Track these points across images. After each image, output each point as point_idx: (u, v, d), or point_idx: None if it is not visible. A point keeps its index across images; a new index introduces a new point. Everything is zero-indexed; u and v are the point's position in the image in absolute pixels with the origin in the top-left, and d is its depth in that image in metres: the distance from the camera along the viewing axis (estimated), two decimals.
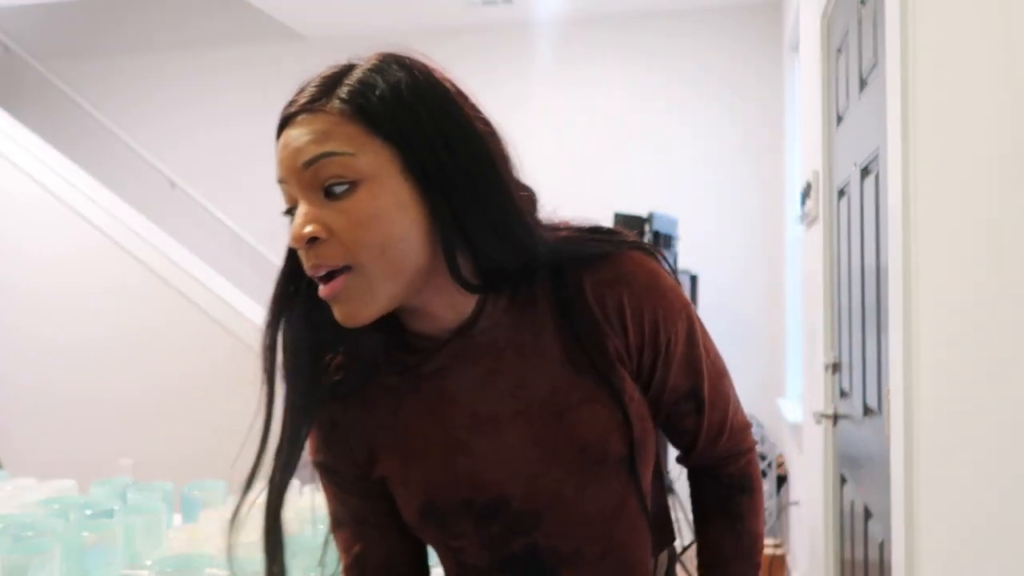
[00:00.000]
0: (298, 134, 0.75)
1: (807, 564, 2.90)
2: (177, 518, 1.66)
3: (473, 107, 0.81)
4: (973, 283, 1.01)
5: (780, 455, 3.83)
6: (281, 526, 0.85)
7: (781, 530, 3.75)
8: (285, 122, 0.77)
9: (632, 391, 0.85)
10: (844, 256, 2.15)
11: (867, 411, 1.82)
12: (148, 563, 1.39)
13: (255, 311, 3.74)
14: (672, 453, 1.04)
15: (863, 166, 1.85)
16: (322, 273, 0.76)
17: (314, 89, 0.77)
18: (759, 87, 4.25)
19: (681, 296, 0.88)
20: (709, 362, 0.90)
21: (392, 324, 0.84)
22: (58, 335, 3.82)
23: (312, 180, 0.75)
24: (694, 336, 0.88)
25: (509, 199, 0.79)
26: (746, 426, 0.97)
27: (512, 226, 0.79)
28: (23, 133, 3.87)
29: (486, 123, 0.81)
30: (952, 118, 1.10)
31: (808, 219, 2.78)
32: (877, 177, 1.68)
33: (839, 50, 2.22)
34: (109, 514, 1.48)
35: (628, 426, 0.84)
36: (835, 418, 2.22)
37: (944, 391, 1.14)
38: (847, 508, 2.12)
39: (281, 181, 0.78)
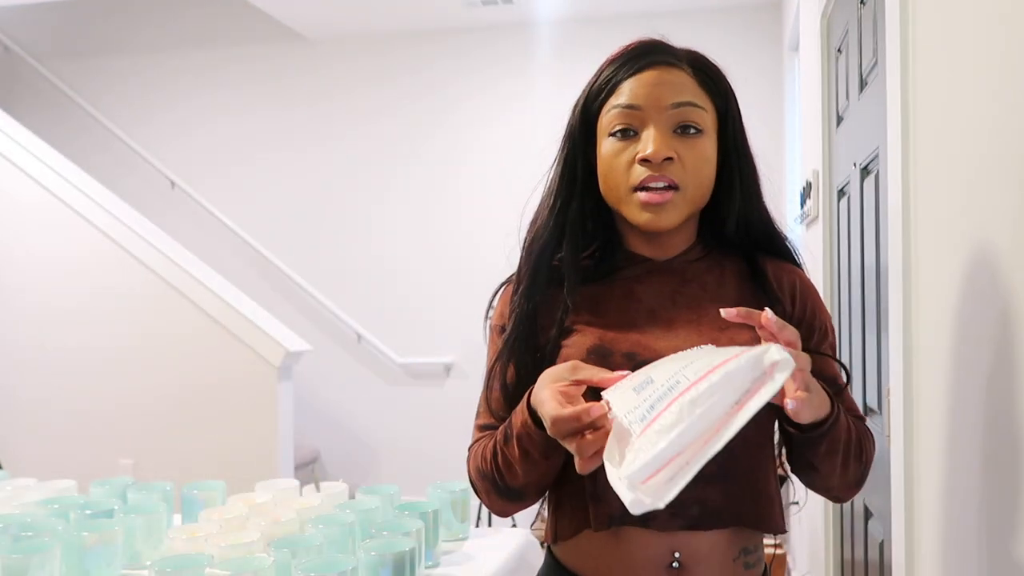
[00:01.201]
0: (662, 78, 0.99)
1: (807, 564, 2.90)
2: (177, 518, 1.66)
3: None
4: (973, 283, 1.01)
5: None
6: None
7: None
8: (636, 63, 1.00)
9: None
10: (844, 256, 2.15)
11: (867, 411, 1.82)
12: (148, 563, 1.39)
13: (255, 311, 3.74)
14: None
15: (863, 166, 1.85)
16: (662, 184, 0.97)
17: (657, 49, 1.01)
18: (759, 87, 4.25)
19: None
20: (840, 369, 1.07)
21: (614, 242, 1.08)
22: (58, 335, 3.82)
23: (671, 118, 0.98)
24: (834, 342, 1.09)
25: (756, 172, 1.05)
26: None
27: (759, 194, 1.05)
28: (23, 133, 3.87)
29: None
30: (952, 118, 1.10)
31: (808, 219, 2.78)
32: (877, 177, 1.68)
33: (839, 50, 2.22)
34: (109, 514, 1.48)
35: None
36: None
37: (944, 391, 1.14)
38: (847, 508, 2.12)
39: (632, 107, 0.98)
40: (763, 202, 1.06)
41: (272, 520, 1.43)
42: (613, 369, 0.91)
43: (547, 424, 0.85)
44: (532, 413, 0.92)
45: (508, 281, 1.11)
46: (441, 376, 4.72)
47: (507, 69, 4.67)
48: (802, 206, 2.86)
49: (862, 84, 1.89)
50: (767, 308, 0.83)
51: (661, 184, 0.96)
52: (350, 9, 4.42)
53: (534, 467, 0.97)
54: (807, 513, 2.85)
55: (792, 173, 3.87)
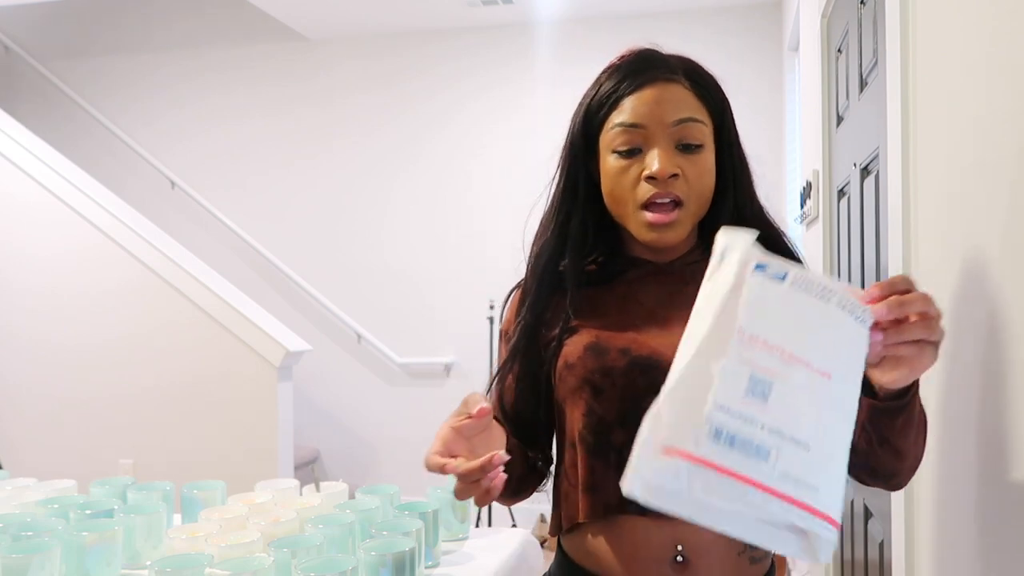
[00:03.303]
0: (663, 96, 1.01)
1: (807, 564, 2.90)
2: (177, 518, 1.66)
3: None
4: (972, 283, 1.01)
5: None
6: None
7: None
8: (636, 79, 1.01)
9: None
10: (844, 256, 2.15)
11: None
12: (148, 563, 1.39)
13: (255, 311, 3.74)
14: None
15: (863, 166, 1.85)
16: (667, 200, 1.00)
17: (654, 63, 1.03)
18: (759, 87, 4.25)
19: None
20: None
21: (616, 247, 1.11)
22: (57, 335, 3.82)
23: (673, 135, 1.00)
24: None
25: (750, 174, 1.08)
26: None
27: (754, 195, 1.08)
28: (23, 133, 3.87)
29: None
30: (952, 118, 1.10)
31: (808, 219, 2.78)
32: (877, 177, 1.68)
33: (839, 50, 2.22)
34: (109, 514, 1.48)
35: None
36: None
37: (943, 391, 1.14)
38: (847, 508, 2.12)
39: (636, 126, 1.00)
40: (758, 202, 1.08)
41: (272, 520, 1.43)
42: (609, 364, 0.99)
43: None
44: None
45: (517, 287, 1.15)
46: (441, 376, 4.72)
47: (507, 69, 4.67)
48: (802, 206, 2.86)
49: (862, 84, 1.89)
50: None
51: (667, 200, 1.00)
52: (350, 9, 4.42)
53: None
54: None
55: (792, 173, 3.88)
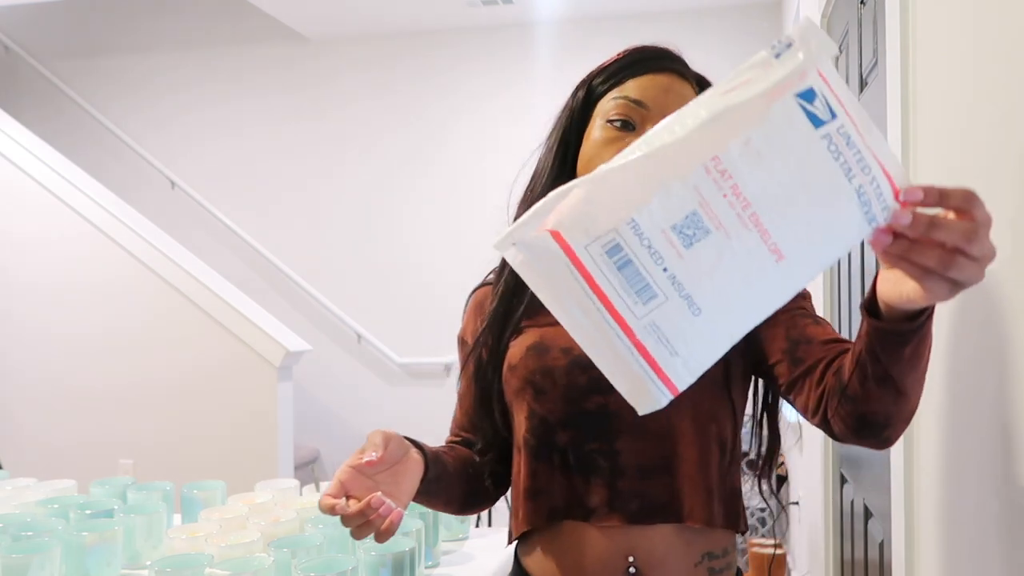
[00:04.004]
0: (673, 87, 0.98)
1: (807, 564, 2.90)
2: (177, 518, 1.66)
3: None
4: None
5: (780, 455, 3.81)
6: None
7: (781, 530, 3.75)
8: (652, 64, 0.99)
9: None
10: (844, 256, 2.15)
11: None
12: (148, 563, 1.39)
13: (256, 312, 3.74)
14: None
15: None
16: None
17: (673, 57, 1.01)
18: None
19: None
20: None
21: None
22: (57, 335, 3.82)
23: None
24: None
25: None
26: None
27: None
28: (23, 133, 3.87)
29: None
30: (952, 118, 1.10)
31: None
32: None
33: (839, 50, 2.22)
34: (109, 514, 1.48)
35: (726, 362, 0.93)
36: None
37: (943, 391, 1.14)
38: (847, 508, 2.12)
39: (639, 103, 0.97)
40: None
41: (272, 520, 1.43)
42: (550, 364, 0.97)
43: None
44: None
45: (479, 288, 1.14)
46: (441, 376, 4.72)
47: (507, 69, 4.67)
48: None
49: (862, 84, 1.89)
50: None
51: None
52: (350, 9, 4.42)
53: (430, 501, 1.01)
54: (807, 513, 2.85)
55: None
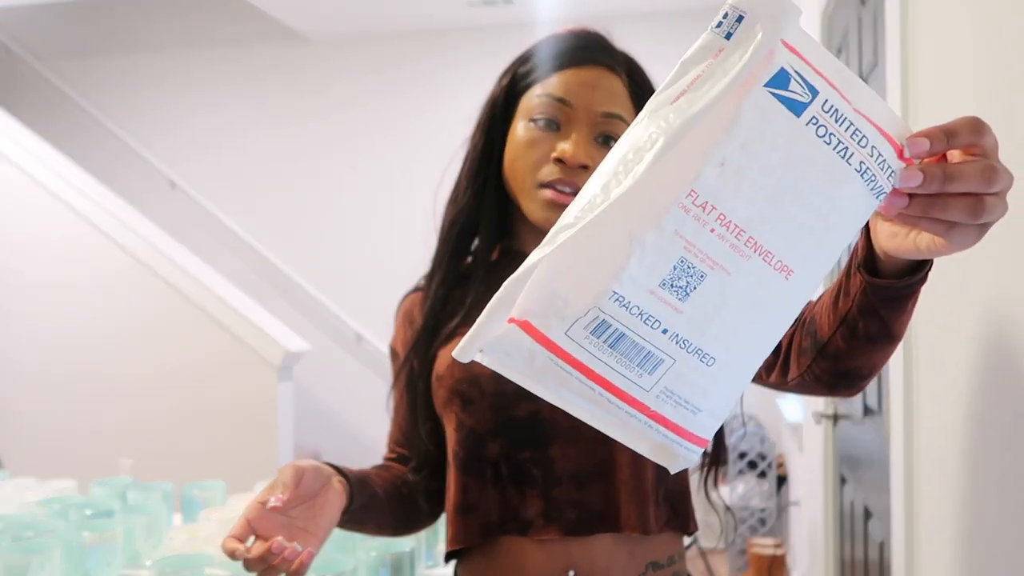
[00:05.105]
0: (599, 81, 0.93)
1: (807, 564, 2.90)
2: (177, 518, 1.66)
3: None
4: (972, 283, 1.01)
5: (780, 455, 3.82)
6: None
7: (781, 530, 3.75)
8: (578, 55, 0.95)
9: None
10: (843, 256, 2.15)
11: (867, 411, 1.82)
12: (148, 563, 1.39)
13: (256, 312, 3.74)
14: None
15: None
16: (568, 190, 0.91)
17: (602, 47, 0.97)
18: None
19: None
20: None
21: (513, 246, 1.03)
22: (58, 335, 3.82)
23: (597, 125, 0.93)
24: None
25: None
26: None
27: None
28: (23, 133, 3.87)
29: None
30: (952, 118, 1.10)
31: None
32: None
33: (839, 50, 2.22)
34: (109, 514, 1.48)
35: None
36: (835, 418, 2.21)
37: (943, 391, 1.14)
38: (847, 508, 2.12)
39: (563, 101, 0.93)
40: None
41: None
42: (476, 372, 0.90)
43: None
44: None
45: (410, 293, 1.09)
46: None
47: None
48: None
49: None
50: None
51: (568, 190, 0.91)
52: (351, 9, 4.42)
53: (359, 528, 0.97)
54: (807, 513, 2.85)
55: None
